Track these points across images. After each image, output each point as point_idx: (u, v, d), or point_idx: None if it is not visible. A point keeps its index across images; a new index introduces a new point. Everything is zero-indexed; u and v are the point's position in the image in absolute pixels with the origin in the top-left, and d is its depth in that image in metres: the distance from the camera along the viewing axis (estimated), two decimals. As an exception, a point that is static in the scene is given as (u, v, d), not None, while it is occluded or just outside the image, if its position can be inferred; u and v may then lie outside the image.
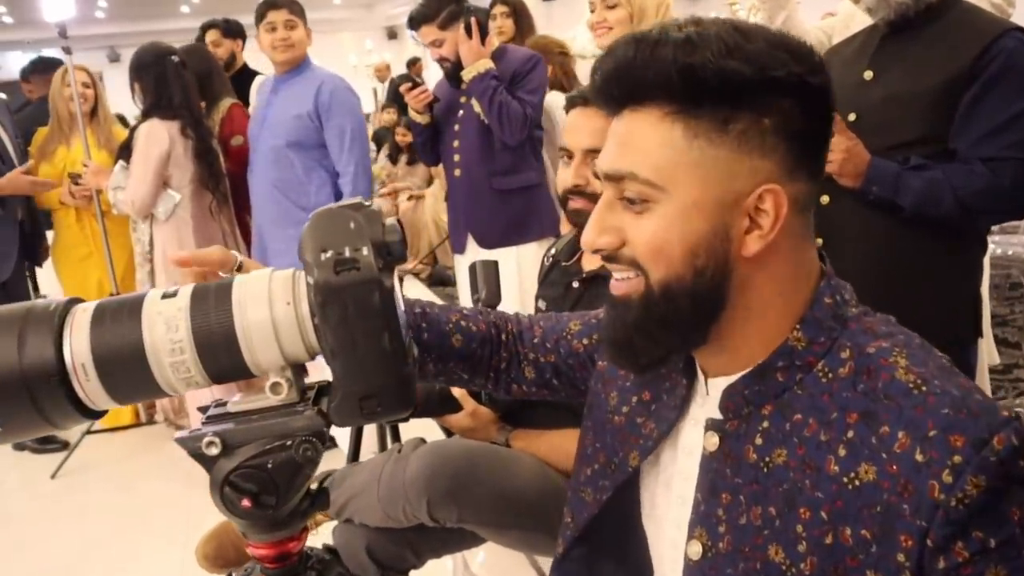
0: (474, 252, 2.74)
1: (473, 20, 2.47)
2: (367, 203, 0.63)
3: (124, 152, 2.94)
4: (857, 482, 0.64)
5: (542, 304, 1.56)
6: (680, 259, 0.68)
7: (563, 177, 1.44)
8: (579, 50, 9.47)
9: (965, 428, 0.60)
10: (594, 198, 1.39)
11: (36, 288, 3.85)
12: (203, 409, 0.68)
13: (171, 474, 3.14)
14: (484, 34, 2.51)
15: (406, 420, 1.53)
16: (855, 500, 0.64)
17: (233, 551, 1.58)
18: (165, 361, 0.62)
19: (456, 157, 2.70)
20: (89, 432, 3.39)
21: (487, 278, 1.55)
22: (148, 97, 2.86)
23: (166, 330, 0.61)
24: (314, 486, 0.69)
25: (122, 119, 4.66)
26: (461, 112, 2.66)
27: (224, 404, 0.67)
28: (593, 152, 1.39)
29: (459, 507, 1.28)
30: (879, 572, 0.62)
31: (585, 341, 0.97)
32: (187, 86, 2.90)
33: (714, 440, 0.74)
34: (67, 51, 3.15)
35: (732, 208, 0.68)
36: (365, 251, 0.60)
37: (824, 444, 0.67)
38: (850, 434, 0.65)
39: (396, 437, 1.73)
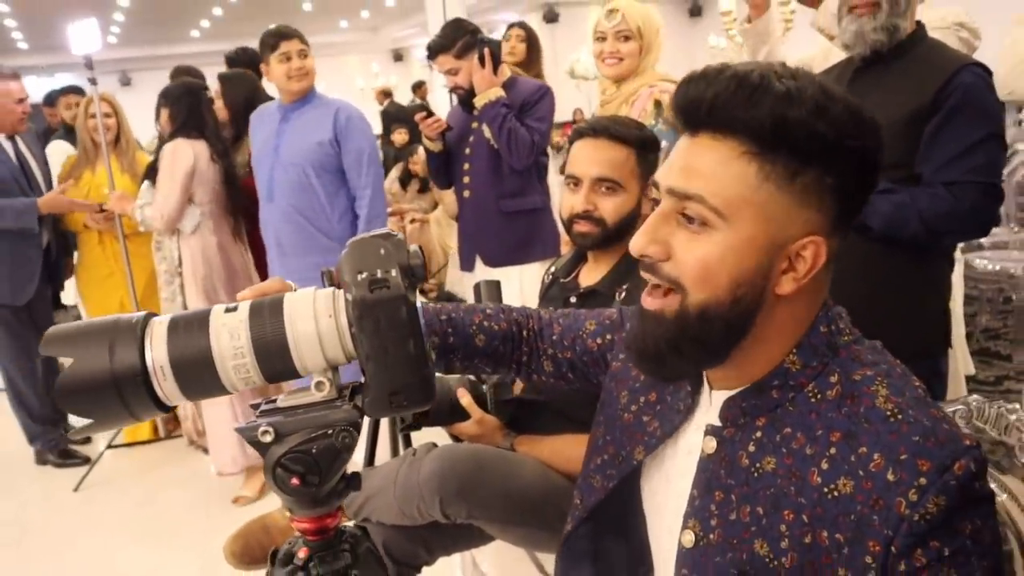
0: (481, 270, 2.87)
1: (486, 50, 2.62)
2: (395, 233, 0.76)
3: (151, 172, 3.08)
4: (836, 493, 0.73)
5: None
6: (725, 287, 0.75)
7: (570, 202, 1.55)
8: (582, 72, 9.60)
9: (931, 455, 0.70)
10: (600, 222, 1.53)
11: (58, 306, 3.98)
12: (255, 406, 0.81)
13: (190, 487, 3.27)
14: (496, 64, 2.65)
15: (419, 428, 1.67)
16: (833, 508, 0.73)
17: (258, 549, 1.70)
18: (229, 365, 0.75)
19: (466, 179, 2.84)
20: (110, 447, 3.52)
21: (490, 296, 1.68)
22: (177, 121, 3.00)
23: (230, 339, 0.75)
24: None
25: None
26: (472, 138, 2.80)
27: (274, 401, 0.80)
28: (601, 180, 1.52)
29: (468, 504, 1.40)
30: (849, 570, 0.72)
31: (599, 340, 1.08)
32: (216, 119, 3.06)
33: (712, 444, 0.84)
34: (93, 82, 3.30)
35: (780, 250, 0.75)
36: (394, 273, 0.73)
37: (809, 457, 0.76)
38: (832, 451, 0.75)
39: (408, 444, 1.86)
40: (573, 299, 1.62)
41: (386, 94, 8.63)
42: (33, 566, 2.80)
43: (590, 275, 1.63)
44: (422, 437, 1.72)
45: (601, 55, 2.39)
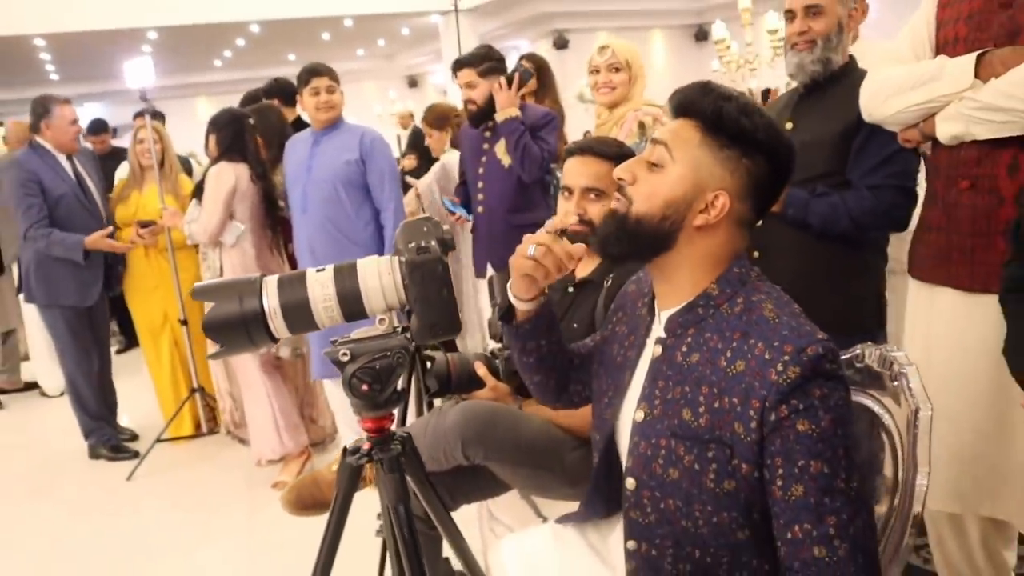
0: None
1: (517, 75, 3.00)
2: (432, 218, 1.12)
3: (198, 192, 3.48)
4: (734, 370, 1.08)
5: None
6: (659, 206, 1.13)
7: (565, 209, 1.91)
8: (591, 97, 10.07)
9: (793, 342, 1.04)
10: (590, 224, 1.87)
11: (114, 310, 4.35)
12: (334, 341, 1.16)
13: (232, 475, 3.61)
14: (521, 87, 3.04)
15: (443, 395, 2.01)
16: (732, 381, 1.07)
17: (309, 498, 2.05)
18: (320, 307, 1.11)
19: (480, 196, 3.22)
20: (158, 441, 3.86)
21: (502, 288, 2.03)
22: (223, 145, 3.40)
23: (321, 289, 1.10)
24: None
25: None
26: (485, 159, 3.17)
27: (348, 336, 1.15)
28: (589, 189, 1.87)
29: (485, 447, 1.74)
30: (741, 422, 1.06)
31: (590, 341, 1.45)
32: (257, 144, 3.46)
33: (659, 349, 1.19)
34: (155, 113, 3.70)
35: (700, 193, 1.11)
36: (433, 243, 1.09)
37: (719, 350, 1.11)
38: (734, 344, 1.09)
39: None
40: (570, 288, 1.97)
41: (411, 117, 9.13)
42: (91, 545, 3.10)
43: (584, 268, 1.98)
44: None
45: (596, 85, 2.77)
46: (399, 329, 1.14)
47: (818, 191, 1.95)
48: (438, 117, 4.19)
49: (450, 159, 3.99)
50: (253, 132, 3.46)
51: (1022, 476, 1.64)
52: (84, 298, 3.77)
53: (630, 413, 1.24)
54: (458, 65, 3.15)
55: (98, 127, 5.84)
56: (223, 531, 3.09)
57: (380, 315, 1.12)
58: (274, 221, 3.52)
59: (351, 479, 1.20)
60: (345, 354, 1.12)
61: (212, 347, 3.67)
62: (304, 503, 2.00)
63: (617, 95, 2.76)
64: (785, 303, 1.13)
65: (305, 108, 3.24)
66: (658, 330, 1.21)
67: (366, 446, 1.19)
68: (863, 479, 1.06)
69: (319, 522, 2.11)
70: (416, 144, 7.13)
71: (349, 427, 3.44)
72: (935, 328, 1.75)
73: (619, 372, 1.30)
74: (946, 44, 1.70)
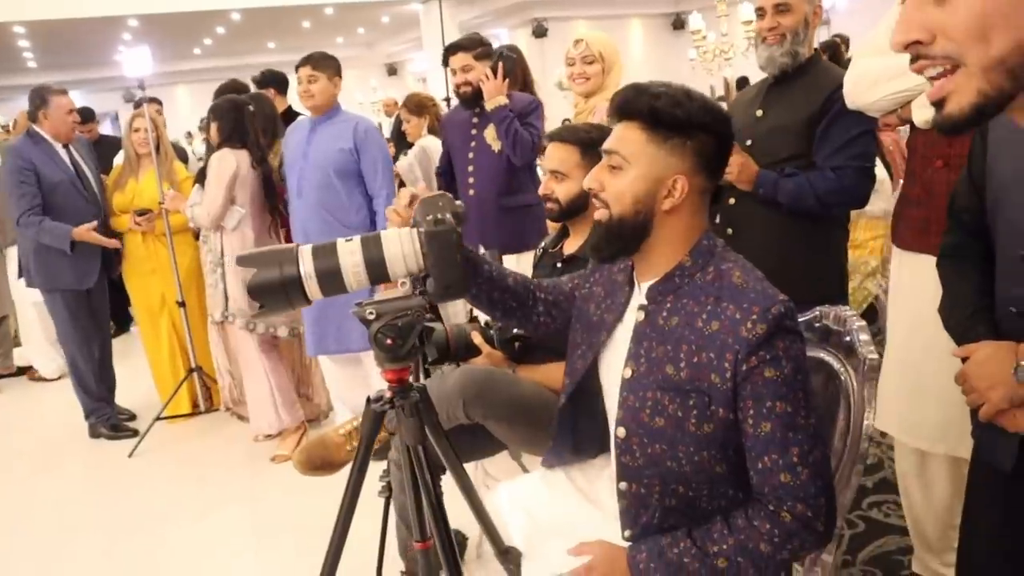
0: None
1: (500, 63, 3.14)
2: (447, 194, 1.29)
3: (200, 177, 3.61)
4: (709, 329, 1.24)
5: None
6: (629, 204, 1.28)
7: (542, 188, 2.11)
8: (569, 84, 10.19)
9: (760, 303, 1.21)
10: (557, 201, 2.06)
11: (116, 290, 4.46)
12: (360, 304, 1.32)
13: (231, 450, 3.76)
14: (507, 75, 3.18)
15: (441, 363, 2.18)
16: (708, 338, 1.23)
17: (318, 459, 2.20)
18: (350, 272, 1.27)
19: (471, 180, 3.37)
20: (158, 419, 3.97)
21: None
22: (225, 132, 3.53)
23: (351, 256, 1.27)
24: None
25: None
26: (475, 143, 3.32)
27: (372, 298, 1.32)
28: (554, 172, 2.07)
29: (484, 406, 1.92)
30: (717, 373, 1.22)
31: (571, 283, 1.60)
32: (256, 129, 3.59)
33: (641, 315, 1.35)
34: (153, 100, 3.82)
35: (661, 182, 1.26)
36: (448, 216, 1.25)
37: (696, 313, 1.27)
38: (708, 307, 1.25)
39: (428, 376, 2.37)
40: (559, 264, 2.14)
41: (395, 104, 9.29)
42: (98, 518, 3.23)
43: (571, 245, 2.15)
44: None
45: (572, 76, 2.94)
46: (417, 292, 1.31)
47: (786, 172, 2.13)
48: (418, 104, 4.39)
49: (428, 143, 4.22)
50: (253, 119, 3.59)
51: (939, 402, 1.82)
52: (81, 282, 3.89)
53: (608, 369, 1.42)
54: (454, 49, 3.30)
55: (85, 116, 5.91)
56: (226, 500, 3.25)
57: (401, 279, 1.29)
58: (272, 205, 3.66)
59: (374, 423, 1.37)
60: (372, 313, 1.28)
61: (211, 329, 3.83)
62: (314, 463, 2.16)
63: (591, 85, 2.94)
64: (750, 270, 1.30)
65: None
66: (639, 298, 1.37)
67: (388, 394, 1.36)
68: (820, 419, 1.25)
69: (316, 491, 2.28)
70: (396, 135, 7.28)
71: (343, 403, 3.60)
72: (919, 291, 1.92)
73: (595, 331, 1.46)
74: None
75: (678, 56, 13.13)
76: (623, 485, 1.35)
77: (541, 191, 2.07)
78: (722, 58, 7.54)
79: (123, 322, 6.14)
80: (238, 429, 3.96)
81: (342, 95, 3.45)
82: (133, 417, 4.28)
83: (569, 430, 1.58)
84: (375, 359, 1.34)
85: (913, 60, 0.77)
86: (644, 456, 1.32)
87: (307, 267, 1.26)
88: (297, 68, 3.30)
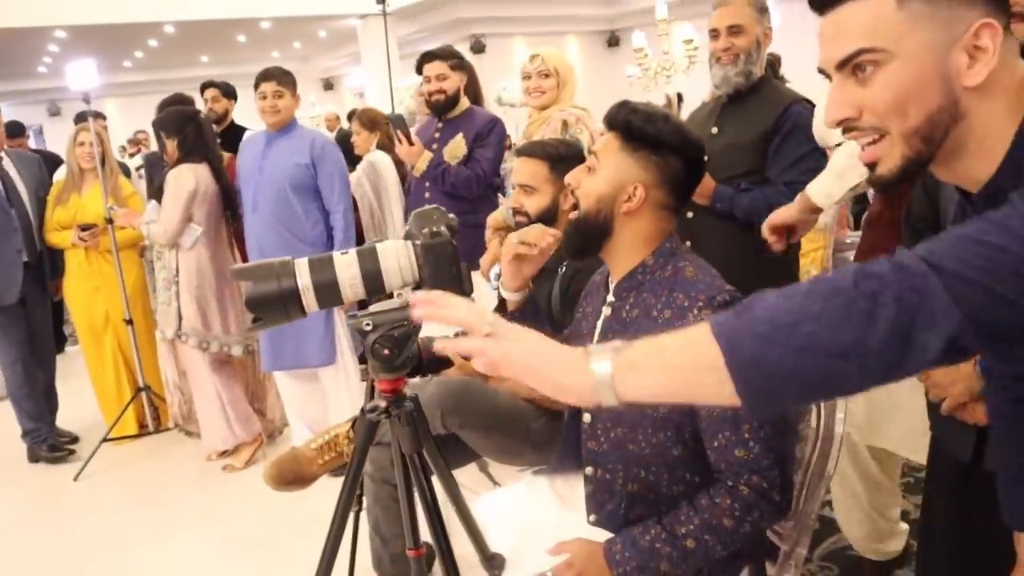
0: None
1: (405, 131, 3.26)
2: (441, 208, 1.33)
3: (157, 194, 3.54)
4: (662, 318, 1.37)
5: None
6: (593, 203, 1.42)
7: (512, 202, 2.18)
8: (508, 99, 10.39)
9: (706, 292, 1.35)
10: (527, 215, 2.11)
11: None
12: (352, 315, 1.35)
13: (183, 469, 3.68)
14: (407, 135, 3.30)
15: (414, 376, 2.20)
16: (662, 326, 1.35)
17: (290, 473, 2.20)
18: (347, 284, 1.30)
19: (427, 195, 3.40)
20: (105, 440, 3.85)
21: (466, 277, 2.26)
22: (185, 148, 3.47)
23: (348, 268, 1.30)
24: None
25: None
26: (432, 158, 3.35)
27: (367, 308, 1.35)
28: (523, 186, 2.13)
29: (461, 416, 1.96)
30: None
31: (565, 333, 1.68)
32: (213, 139, 3.54)
33: (608, 311, 1.49)
34: (98, 115, 3.73)
35: (622, 187, 1.40)
36: (444, 228, 1.30)
37: (652, 304, 1.40)
38: (663, 298, 1.39)
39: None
40: (530, 276, 2.21)
41: (336, 119, 9.26)
42: (42, 545, 3.11)
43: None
44: (413, 386, 2.25)
45: (528, 90, 3.03)
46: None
47: (742, 187, 2.24)
48: (371, 120, 4.41)
49: (376, 158, 4.24)
50: (209, 128, 3.55)
51: (903, 411, 1.94)
52: (2, 297, 3.74)
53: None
54: (430, 57, 3.36)
55: (14, 130, 5.73)
56: (183, 520, 3.18)
57: (397, 291, 1.32)
58: (235, 214, 3.60)
59: (368, 433, 1.40)
60: (368, 324, 1.31)
61: (161, 345, 3.76)
62: (286, 478, 2.15)
63: (546, 99, 3.02)
64: (704, 267, 1.44)
65: (258, 111, 3.36)
66: (608, 297, 1.50)
67: (383, 404, 1.39)
68: None
69: (274, 506, 2.26)
70: (343, 146, 7.29)
71: (300, 419, 3.58)
72: None
73: (584, 340, 1.55)
74: None
75: (613, 73, 13.41)
76: (589, 470, 1.48)
77: (511, 204, 2.13)
78: (663, 75, 7.76)
79: (61, 339, 5.94)
80: (189, 448, 3.89)
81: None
82: (75, 440, 4.15)
83: (575, 444, 1.60)
84: (370, 369, 1.37)
85: (846, 131, 0.88)
86: (608, 441, 1.43)
87: (304, 280, 1.29)
88: (258, 84, 3.29)
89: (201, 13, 9.94)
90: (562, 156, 2.12)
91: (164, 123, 3.54)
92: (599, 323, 1.51)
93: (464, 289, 1.31)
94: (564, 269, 2.11)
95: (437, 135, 3.38)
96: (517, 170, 2.15)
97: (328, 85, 18.28)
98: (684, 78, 7.35)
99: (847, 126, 0.87)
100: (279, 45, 15.26)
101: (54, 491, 3.63)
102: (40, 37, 10.85)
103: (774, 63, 5.13)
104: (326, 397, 3.48)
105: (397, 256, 1.31)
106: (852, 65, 0.83)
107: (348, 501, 1.43)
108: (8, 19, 9.19)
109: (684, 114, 4.79)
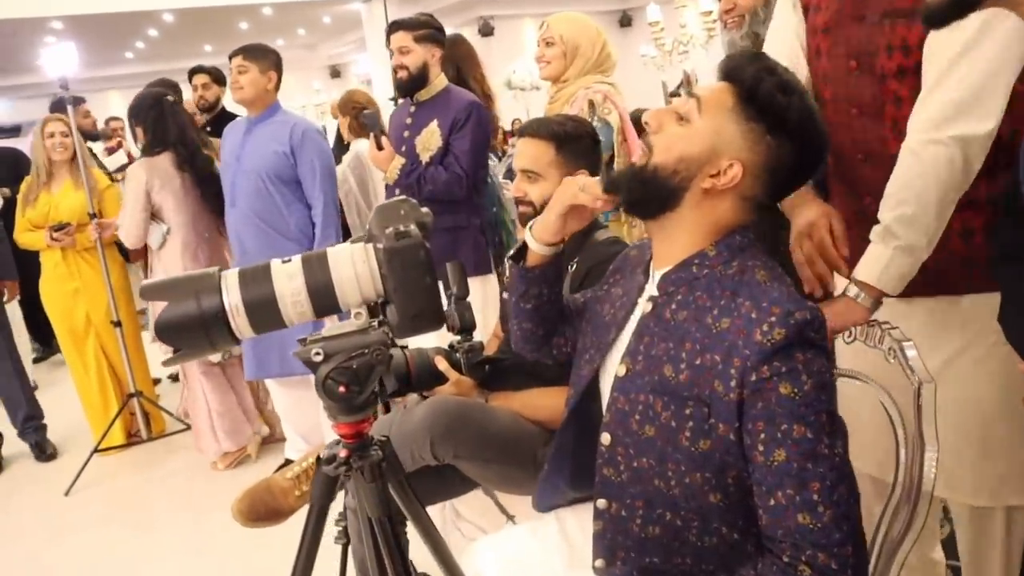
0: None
1: (377, 133, 2.80)
2: (410, 199, 1.02)
3: None
4: (719, 327, 1.06)
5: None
6: (673, 159, 1.09)
7: (513, 189, 1.86)
8: (518, 83, 10.04)
9: (782, 305, 1.02)
10: (531, 204, 1.79)
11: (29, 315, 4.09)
12: (302, 340, 1.05)
13: (174, 481, 3.46)
14: (379, 142, 2.81)
15: (403, 395, 1.90)
16: (716, 338, 1.05)
17: (263, 506, 1.92)
18: (289, 302, 0.99)
19: (397, 192, 2.85)
20: (97, 451, 3.59)
21: (455, 276, 1.94)
22: (146, 138, 3.20)
23: (289, 281, 0.99)
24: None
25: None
26: (404, 148, 2.90)
27: (318, 333, 1.04)
28: (525, 171, 1.80)
29: (454, 444, 1.65)
30: (721, 380, 1.03)
31: (581, 298, 1.41)
32: (182, 123, 3.24)
33: (648, 306, 1.17)
34: (79, 100, 3.45)
35: (716, 156, 1.08)
36: (413, 227, 0.99)
37: (707, 307, 1.09)
38: (722, 302, 1.07)
39: (388, 411, 2.09)
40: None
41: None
42: (33, 561, 2.93)
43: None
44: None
45: (538, 60, 2.70)
46: (375, 323, 1.04)
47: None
48: (344, 102, 4.05)
49: (363, 147, 3.70)
50: (175, 112, 3.26)
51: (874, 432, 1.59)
52: None
53: (606, 372, 1.24)
54: (395, 27, 2.91)
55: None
56: (173, 540, 2.95)
57: (355, 309, 1.02)
58: (217, 201, 3.25)
59: (327, 489, 1.09)
60: (318, 353, 1.01)
61: (155, 349, 3.50)
62: (257, 513, 1.87)
63: (552, 69, 2.67)
64: (779, 275, 1.11)
65: None
66: (651, 289, 1.19)
67: (343, 453, 1.08)
68: (846, 448, 1.03)
69: (272, 532, 2.01)
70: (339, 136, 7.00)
71: (294, 429, 3.30)
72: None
73: (605, 330, 1.27)
74: (812, 57, 1.54)
75: (625, 53, 12.99)
76: (602, 503, 1.18)
77: (513, 193, 1.82)
78: (680, 50, 7.35)
79: (52, 341, 5.70)
80: (180, 460, 3.66)
81: (283, 97, 3.14)
82: (54, 456, 3.92)
83: (568, 453, 1.38)
84: (325, 411, 1.07)
85: None
86: (629, 470, 1.14)
87: (232, 297, 0.98)
88: (230, 59, 2.99)
89: (198, 0, 9.62)
90: (569, 135, 1.80)
91: (133, 109, 3.28)
92: (633, 320, 1.20)
93: (437, 303, 1.00)
94: (574, 267, 1.80)
95: (409, 121, 2.94)
96: (519, 152, 1.83)
97: (335, 72, 17.93)
98: (703, 53, 6.95)
99: None
100: (283, 32, 14.90)
101: (43, 504, 3.43)
102: (36, 29, 10.55)
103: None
104: (319, 405, 3.18)
105: (354, 263, 1.00)
106: None
107: (306, 566, 1.13)
108: (1, 10, 8.92)
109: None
